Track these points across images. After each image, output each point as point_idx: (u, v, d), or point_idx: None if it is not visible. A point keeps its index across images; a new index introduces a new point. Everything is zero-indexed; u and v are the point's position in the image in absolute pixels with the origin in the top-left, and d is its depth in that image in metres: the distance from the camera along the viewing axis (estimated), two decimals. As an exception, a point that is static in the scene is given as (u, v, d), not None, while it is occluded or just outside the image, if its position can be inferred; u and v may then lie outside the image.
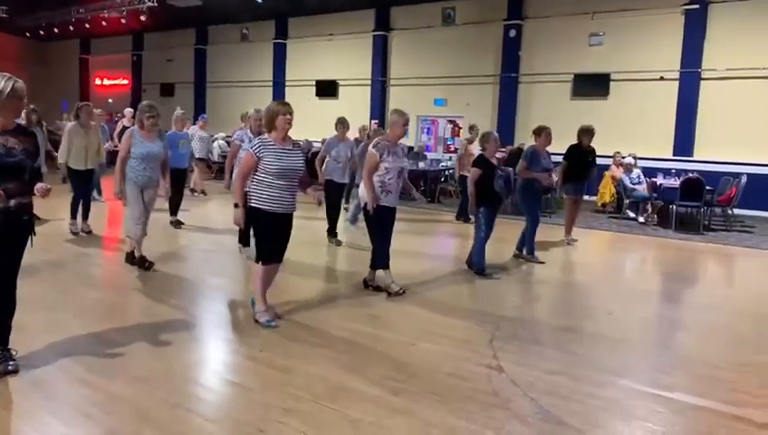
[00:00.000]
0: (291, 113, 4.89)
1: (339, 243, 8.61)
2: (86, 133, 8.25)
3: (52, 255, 6.90)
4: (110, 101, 25.83)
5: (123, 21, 20.25)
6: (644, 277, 8.26)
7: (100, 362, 4.03)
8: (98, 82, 27.88)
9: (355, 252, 8.00)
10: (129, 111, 13.79)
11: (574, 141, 9.26)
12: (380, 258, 6.04)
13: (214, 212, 11.60)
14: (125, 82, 26.82)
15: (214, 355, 4.37)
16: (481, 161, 7.07)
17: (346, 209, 10.40)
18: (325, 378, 3.98)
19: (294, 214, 5.06)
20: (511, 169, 9.58)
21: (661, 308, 6.56)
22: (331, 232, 8.71)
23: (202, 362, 4.22)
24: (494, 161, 7.13)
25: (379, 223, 6.01)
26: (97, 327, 4.72)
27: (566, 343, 4.96)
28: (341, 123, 8.68)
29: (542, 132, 8.25)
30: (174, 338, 4.60)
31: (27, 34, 25.86)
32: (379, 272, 6.14)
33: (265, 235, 4.91)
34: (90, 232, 8.36)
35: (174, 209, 9.51)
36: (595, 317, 5.85)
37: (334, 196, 8.65)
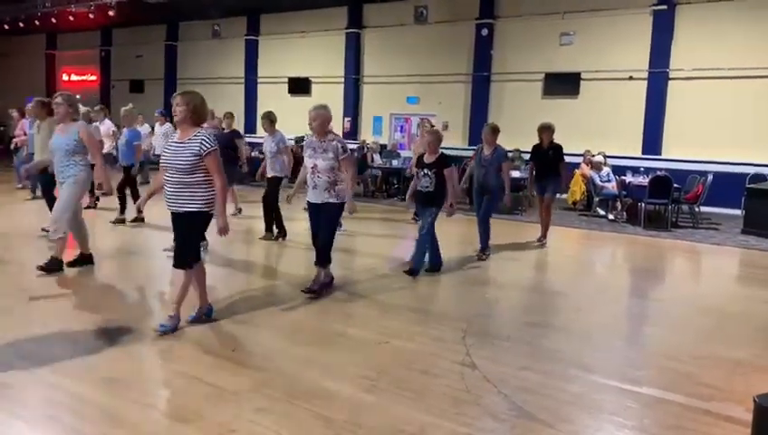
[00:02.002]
0: (176, 103, 4.61)
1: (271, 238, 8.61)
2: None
3: (9, 254, 6.77)
4: (78, 96, 25.29)
5: (91, 16, 19.83)
6: (613, 274, 8.39)
7: (66, 363, 3.94)
8: (65, 77, 27.31)
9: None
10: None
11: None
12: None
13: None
14: (93, 78, 26.32)
15: (185, 355, 4.31)
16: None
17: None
18: (298, 377, 3.96)
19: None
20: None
21: (630, 304, 6.67)
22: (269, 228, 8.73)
23: (173, 361, 4.16)
24: (427, 158, 6.97)
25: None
26: (62, 327, 4.62)
27: (537, 338, 5.01)
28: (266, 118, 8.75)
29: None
30: (143, 338, 4.54)
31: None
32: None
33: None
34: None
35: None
36: (565, 313, 5.93)
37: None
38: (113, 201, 9.36)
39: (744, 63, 13.32)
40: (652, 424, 3.55)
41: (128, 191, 9.50)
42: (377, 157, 15.51)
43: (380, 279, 6.71)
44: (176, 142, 4.66)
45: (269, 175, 8.62)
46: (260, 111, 20.74)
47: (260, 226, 8.78)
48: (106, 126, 11.50)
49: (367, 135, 18.51)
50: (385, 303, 5.87)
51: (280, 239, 8.59)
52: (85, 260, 6.59)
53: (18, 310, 4.58)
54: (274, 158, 8.56)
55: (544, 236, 9.37)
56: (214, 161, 4.56)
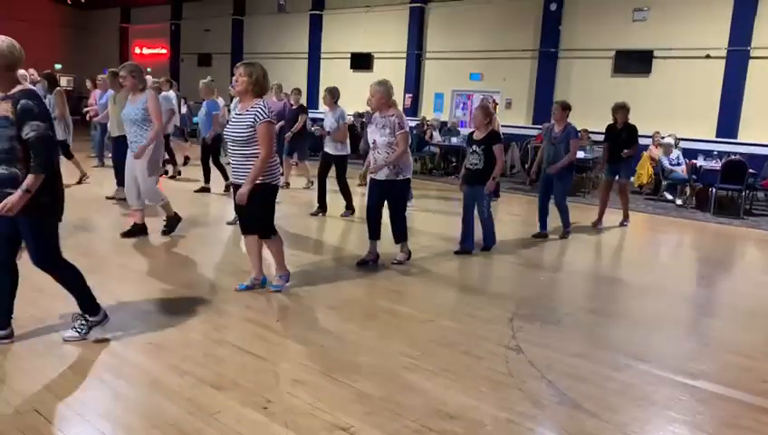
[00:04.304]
0: (239, 73, 4.63)
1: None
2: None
3: (83, 220, 7.00)
4: (148, 70, 26.06)
5: (162, -10, 20.30)
6: (678, 262, 8.02)
7: (116, 326, 4.05)
8: (137, 51, 28.14)
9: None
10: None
11: (611, 121, 9.01)
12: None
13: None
14: (164, 51, 27.01)
15: (230, 324, 4.36)
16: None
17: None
18: (339, 351, 3.95)
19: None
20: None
21: (694, 294, 6.34)
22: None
23: (217, 330, 4.21)
24: (477, 135, 6.78)
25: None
26: (118, 293, 4.76)
27: (589, 325, 4.84)
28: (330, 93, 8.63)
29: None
30: (192, 306, 4.62)
31: (69, 2, 26.18)
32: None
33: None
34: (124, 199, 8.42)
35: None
36: (622, 301, 5.70)
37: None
38: (193, 171, 9.61)
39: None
40: (706, 421, 3.36)
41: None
42: (436, 134, 15.31)
43: (433, 257, 6.61)
44: (236, 114, 4.71)
45: (327, 151, 8.60)
46: (322, 87, 20.81)
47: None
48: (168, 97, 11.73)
49: (428, 112, 18.28)
50: (435, 281, 5.80)
51: (350, 214, 8.59)
52: (139, 230, 6.68)
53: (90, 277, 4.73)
54: (334, 133, 8.51)
55: (626, 217, 9.31)
56: (264, 131, 4.54)
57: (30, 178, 3.39)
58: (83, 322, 3.84)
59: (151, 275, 5.44)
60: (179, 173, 11.40)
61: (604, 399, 3.50)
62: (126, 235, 6.58)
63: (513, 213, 9.59)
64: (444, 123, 16.76)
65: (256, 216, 4.79)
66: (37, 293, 4.35)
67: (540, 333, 4.52)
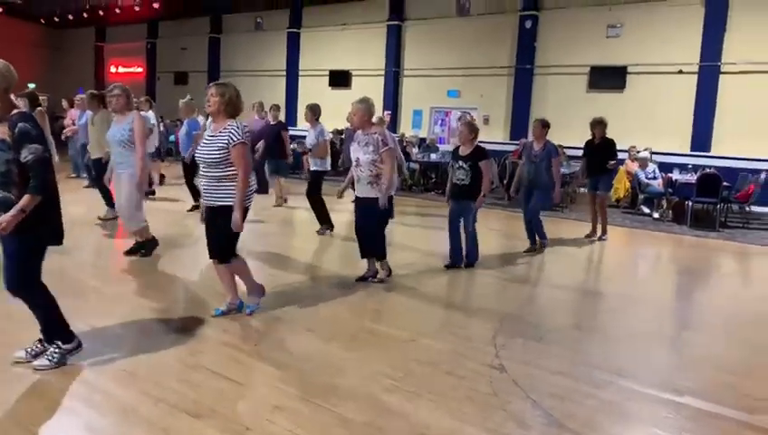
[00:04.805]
0: (211, 93, 4.52)
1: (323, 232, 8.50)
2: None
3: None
4: (127, 87, 25.81)
5: (137, 8, 20.24)
6: (657, 275, 8.05)
7: (88, 353, 3.91)
8: (113, 70, 27.91)
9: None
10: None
11: (589, 135, 9.11)
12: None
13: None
14: (140, 69, 26.83)
15: (206, 348, 4.25)
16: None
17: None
18: (319, 374, 3.86)
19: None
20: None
21: (674, 308, 6.37)
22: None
23: (193, 355, 4.09)
24: (463, 150, 6.76)
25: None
26: (91, 317, 4.62)
27: (571, 341, 4.80)
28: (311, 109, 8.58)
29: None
30: (167, 331, 4.51)
31: (42, 21, 25.93)
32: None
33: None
34: (116, 217, 8.22)
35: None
36: (603, 315, 5.69)
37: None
38: (169, 191, 9.46)
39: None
40: (692, 438, 3.33)
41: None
42: (415, 150, 15.34)
43: (414, 275, 6.55)
44: (209, 135, 4.61)
45: (311, 168, 8.53)
46: (301, 104, 20.73)
47: (301, 217, 8.69)
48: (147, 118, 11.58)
49: (406, 128, 18.34)
50: (416, 299, 5.73)
51: (328, 233, 8.49)
52: (143, 245, 6.62)
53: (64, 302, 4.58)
54: (315, 150, 8.46)
55: (604, 232, 9.30)
56: (239, 153, 4.44)
57: (26, 198, 3.32)
58: (57, 350, 3.71)
59: (126, 299, 5.29)
60: (153, 193, 11.19)
61: (590, 418, 3.45)
62: (128, 253, 6.60)
63: (492, 228, 9.59)
64: (423, 140, 16.80)
65: (221, 238, 4.64)
66: (6, 320, 4.21)
67: (523, 350, 4.47)
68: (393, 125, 18.73)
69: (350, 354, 4.24)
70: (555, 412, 3.47)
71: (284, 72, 21.50)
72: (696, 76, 14.02)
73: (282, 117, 11.31)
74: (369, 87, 18.60)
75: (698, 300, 6.74)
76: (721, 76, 13.73)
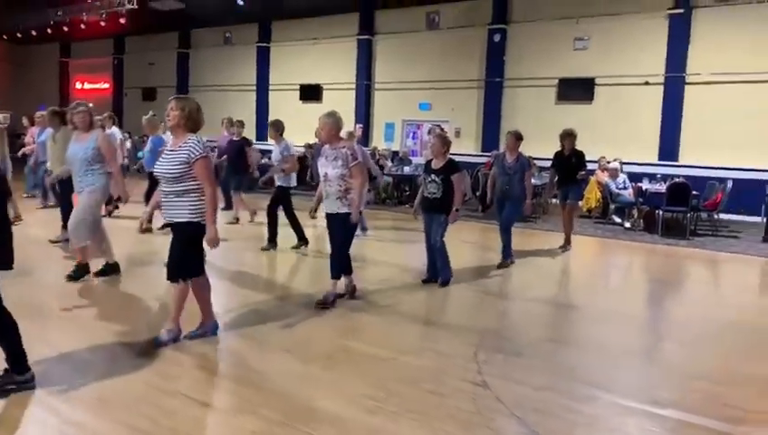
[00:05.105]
0: (171, 108, 4.40)
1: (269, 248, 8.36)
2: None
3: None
4: (90, 105, 25.38)
5: (103, 24, 19.91)
6: (632, 285, 8.11)
7: (59, 383, 3.75)
8: (78, 86, 27.45)
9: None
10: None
11: (559, 147, 9.21)
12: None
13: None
14: (106, 86, 26.43)
15: (180, 372, 4.11)
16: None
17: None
18: (298, 396, 3.75)
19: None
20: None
21: (649, 317, 6.41)
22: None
23: (167, 380, 3.96)
24: (435, 163, 6.68)
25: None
26: (59, 345, 4.45)
27: (552, 355, 4.77)
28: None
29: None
30: (135, 354, 4.34)
31: (5, 37, 25.41)
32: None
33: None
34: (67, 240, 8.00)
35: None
36: (581, 328, 5.69)
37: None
38: (132, 209, 9.24)
39: (762, 68, 13.00)
40: (677, 451, 3.31)
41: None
42: (388, 163, 15.33)
43: (390, 290, 6.49)
44: (168, 150, 4.49)
45: (276, 184, 8.45)
46: (272, 119, 20.62)
47: (264, 233, 8.57)
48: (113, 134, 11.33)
49: (378, 142, 18.34)
50: (394, 316, 5.66)
51: (302, 248, 8.35)
52: (113, 269, 6.48)
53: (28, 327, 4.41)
54: (280, 166, 8.38)
55: (568, 242, 9.33)
56: (202, 168, 4.31)
57: None
58: (7, 380, 3.54)
59: (93, 322, 5.11)
60: (116, 207, 10.86)
61: (575, 433, 3.41)
62: (99, 274, 6.40)
63: (466, 240, 9.57)
64: (395, 153, 16.81)
65: (176, 255, 4.44)
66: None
67: (504, 365, 4.43)
68: (365, 138, 18.75)
69: (330, 375, 4.15)
70: (540, 429, 3.43)
71: (254, 87, 21.39)
72: (661, 87, 14.32)
73: (253, 132, 11.22)
74: (341, 101, 18.63)
75: (673, 309, 6.79)
76: (686, 87, 14.04)
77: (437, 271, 6.78)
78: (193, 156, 4.28)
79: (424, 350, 4.73)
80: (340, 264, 5.90)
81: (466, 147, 16.72)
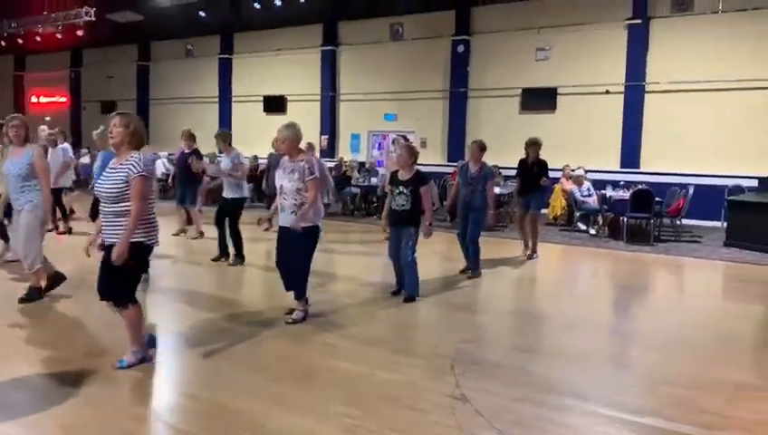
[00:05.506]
0: (114, 124, 4.22)
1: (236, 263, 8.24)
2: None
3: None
4: (47, 118, 24.76)
5: (59, 36, 19.45)
6: (600, 292, 8.18)
7: (21, 410, 3.58)
8: (34, 99, 26.76)
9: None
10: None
11: (523, 155, 9.31)
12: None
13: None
14: (63, 99, 25.81)
15: (147, 394, 3.97)
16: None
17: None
18: (273, 416, 3.65)
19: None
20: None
21: (619, 324, 6.46)
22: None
23: (134, 403, 3.82)
24: (402, 175, 6.59)
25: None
26: (13, 368, 4.25)
27: (528, 365, 4.75)
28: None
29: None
30: (99, 378, 4.17)
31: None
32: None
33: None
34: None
35: None
36: (554, 336, 5.69)
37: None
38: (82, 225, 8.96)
39: (719, 76, 13.36)
40: (658, 459, 3.30)
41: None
42: (355, 174, 15.28)
43: (361, 305, 6.42)
44: (109, 168, 4.30)
45: (224, 196, 8.35)
46: (235, 130, 20.32)
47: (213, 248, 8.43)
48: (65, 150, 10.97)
49: (345, 153, 18.28)
50: (367, 331, 5.58)
51: (238, 265, 8.19)
52: (58, 279, 6.24)
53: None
54: (230, 178, 8.27)
55: (534, 251, 9.41)
56: (137, 186, 4.11)
57: None
58: None
59: (48, 344, 4.86)
60: (70, 230, 10.55)
61: (556, 446, 3.39)
62: (22, 301, 6.02)
63: (435, 251, 9.55)
64: (362, 164, 16.76)
65: (118, 278, 4.20)
66: None
67: (481, 377, 4.39)
68: (331, 150, 18.69)
69: (305, 393, 4.04)
70: (522, 443, 3.39)
71: (217, 99, 21.14)
72: (622, 96, 14.61)
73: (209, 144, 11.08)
74: (306, 112, 18.56)
75: (640, 315, 6.85)
76: (646, 95, 14.36)
77: (417, 289, 6.65)
78: (132, 173, 4.11)
79: (400, 365, 4.65)
80: (299, 284, 5.65)
81: (432, 157, 16.76)
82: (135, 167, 4.13)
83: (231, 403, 3.83)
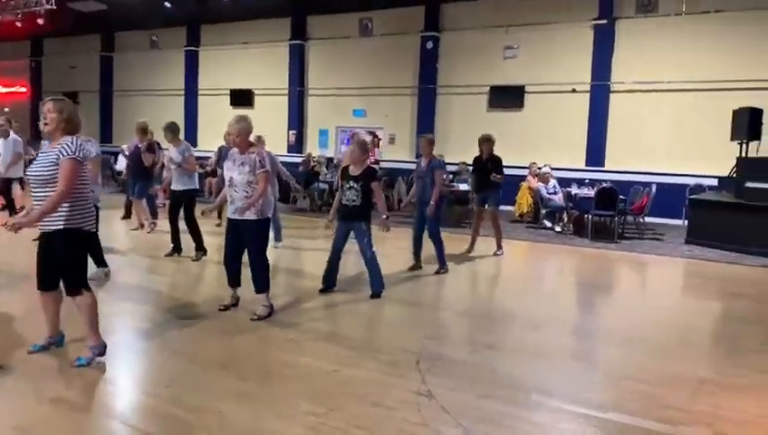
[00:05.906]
0: (48, 109, 4.12)
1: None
2: None
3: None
4: (6, 109, 24.05)
5: (19, 24, 18.84)
6: (564, 289, 8.26)
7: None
8: (-8, 89, 25.99)
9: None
10: None
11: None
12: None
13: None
14: (23, 90, 25.10)
15: (107, 393, 3.86)
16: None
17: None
18: (238, 416, 3.58)
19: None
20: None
21: (583, 320, 6.53)
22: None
23: (96, 403, 3.70)
24: (353, 170, 6.53)
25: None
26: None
27: (493, 361, 4.76)
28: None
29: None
30: (60, 376, 4.05)
31: None
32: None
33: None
34: None
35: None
36: (519, 333, 5.71)
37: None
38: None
39: (681, 77, 13.63)
40: (621, 455, 3.33)
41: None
42: (323, 170, 15.19)
43: (326, 301, 6.36)
44: (41, 153, 4.21)
45: (174, 188, 8.21)
46: (201, 124, 19.98)
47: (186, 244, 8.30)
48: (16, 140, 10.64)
49: (313, 148, 18.15)
50: (332, 327, 5.55)
51: (201, 259, 8.09)
52: None
53: None
54: (180, 170, 8.12)
55: (499, 247, 9.49)
56: (66, 168, 3.96)
57: None
58: None
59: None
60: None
61: (522, 443, 3.39)
62: None
63: (402, 247, 9.52)
64: (330, 159, 16.68)
65: (64, 267, 4.13)
66: None
67: (447, 374, 4.37)
68: (299, 145, 18.53)
69: (270, 390, 3.98)
70: (487, 439, 3.39)
71: (182, 92, 20.79)
72: (588, 95, 14.78)
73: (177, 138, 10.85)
74: (273, 106, 18.40)
75: (605, 312, 6.94)
76: (611, 95, 14.55)
77: (334, 281, 6.66)
78: (63, 155, 3.97)
79: (366, 360, 4.62)
80: (261, 278, 5.59)
81: (401, 154, 16.74)
82: (66, 149, 4.00)
83: (197, 403, 3.75)
